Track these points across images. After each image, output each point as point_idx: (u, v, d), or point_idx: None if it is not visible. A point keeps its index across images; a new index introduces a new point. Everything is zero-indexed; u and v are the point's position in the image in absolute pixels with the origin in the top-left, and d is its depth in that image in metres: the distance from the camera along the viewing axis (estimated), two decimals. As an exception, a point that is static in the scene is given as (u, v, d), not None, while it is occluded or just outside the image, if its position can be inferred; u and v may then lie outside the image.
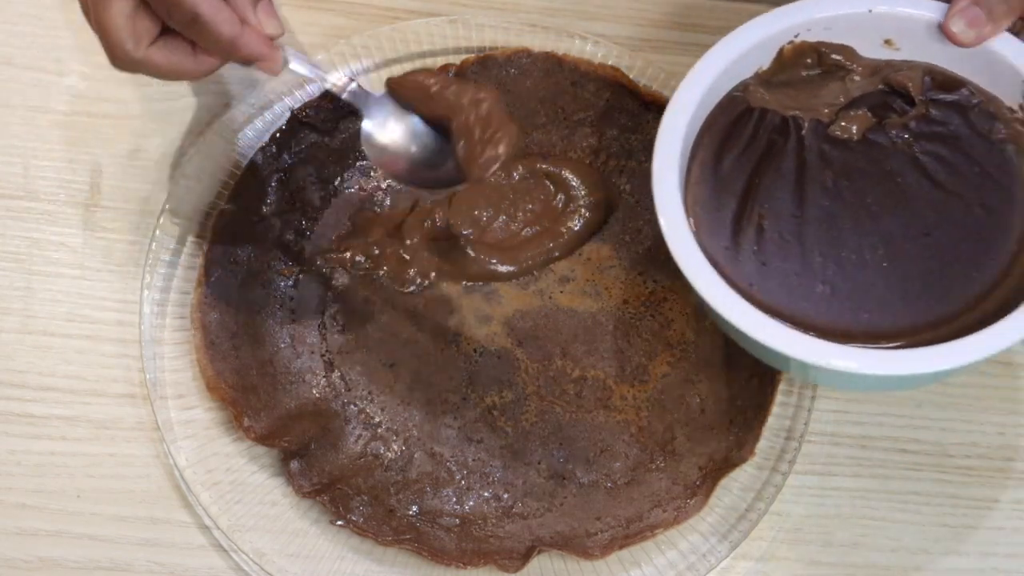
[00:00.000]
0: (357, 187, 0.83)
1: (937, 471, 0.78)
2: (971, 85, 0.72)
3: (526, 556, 0.74)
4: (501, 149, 0.70)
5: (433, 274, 0.81)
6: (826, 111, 0.73)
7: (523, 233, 0.82)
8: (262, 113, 0.83)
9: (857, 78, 0.73)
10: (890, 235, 0.69)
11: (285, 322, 0.80)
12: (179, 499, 0.76)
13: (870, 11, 0.72)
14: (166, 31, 0.69)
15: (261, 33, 0.69)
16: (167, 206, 0.80)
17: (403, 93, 0.73)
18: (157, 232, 0.80)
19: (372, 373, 0.79)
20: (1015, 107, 0.71)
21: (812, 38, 0.73)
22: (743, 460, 0.75)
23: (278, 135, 0.81)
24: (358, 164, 0.83)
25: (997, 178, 0.70)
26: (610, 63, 0.84)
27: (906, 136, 0.71)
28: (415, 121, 0.74)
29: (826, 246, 0.69)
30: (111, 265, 0.81)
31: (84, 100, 0.85)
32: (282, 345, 0.79)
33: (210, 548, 0.76)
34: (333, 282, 0.81)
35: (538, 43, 0.84)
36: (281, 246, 0.81)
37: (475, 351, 0.80)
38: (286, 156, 0.82)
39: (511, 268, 0.81)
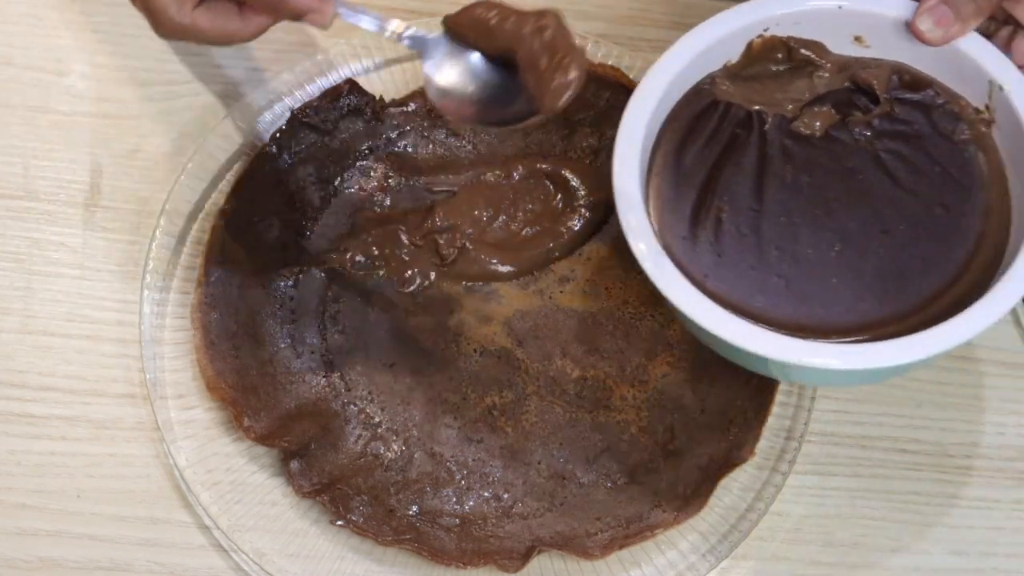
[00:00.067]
0: (357, 187, 0.83)
1: (937, 471, 0.78)
2: (938, 85, 0.71)
3: (526, 556, 0.74)
4: (572, 75, 0.66)
5: (433, 274, 0.81)
6: (790, 107, 0.72)
7: (523, 233, 0.82)
8: (262, 113, 0.83)
9: (825, 74, 0.73)
10: (848, 231, 0.69)
11: (285, 322, 0.80)
12: (179, 499, 0.76)
13: (840, 7, 0.72)
14: None
15: None
16: (167, 206, 0.80)
17: (461, 32, 0.70)
18: (157, 232, 0.80)
19: (372, 373, 0.79)
20: (981, 107, 0.70)
21: (782, 32, 0.73)
22: (743, 460, 0.75)
23: (278, 135, 0.81)
24: (358, 164, 0.83)
25: (957, 178, 0.70)
26: (610, 63, 0.83)
27: (868, 134, 0.71)
28: (475, 59, 0.71)
29: (783, 240, 0.69)
30: (111, 265, 0.81)
31: (84, 100, 0.85)
32: (282, 345, 0.79)
33: (210, 548, 0.76)
34: (333, 282, 0.81)
35: (538, 43, 0.84)
36: (281, 246, 0.81)
37: (475, 351, 0.80)
38: (286, 156, 0.81)
39: (511, 268, 0.81)
